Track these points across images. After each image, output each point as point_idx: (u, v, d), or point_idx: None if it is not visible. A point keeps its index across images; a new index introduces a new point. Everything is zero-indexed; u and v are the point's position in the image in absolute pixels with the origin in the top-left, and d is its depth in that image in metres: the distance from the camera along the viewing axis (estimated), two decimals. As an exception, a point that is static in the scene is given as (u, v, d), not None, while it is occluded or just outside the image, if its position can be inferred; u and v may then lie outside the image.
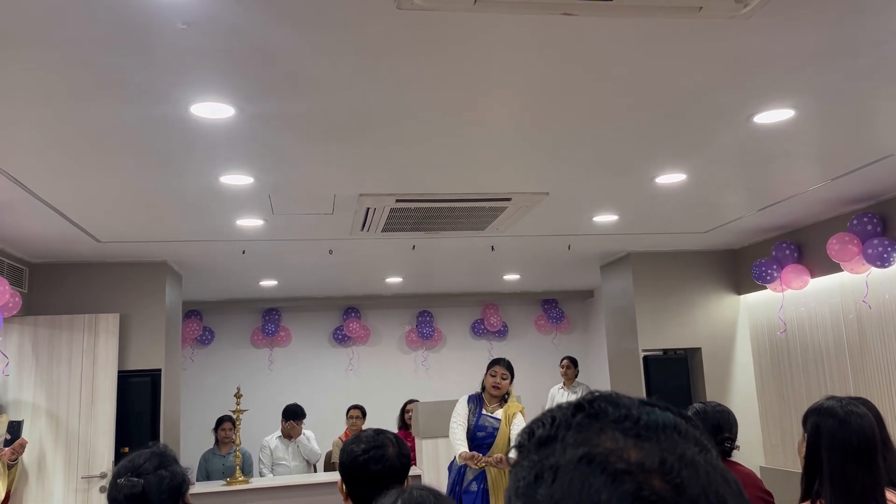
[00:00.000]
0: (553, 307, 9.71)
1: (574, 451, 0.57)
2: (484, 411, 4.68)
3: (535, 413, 0.70)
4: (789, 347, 5.90)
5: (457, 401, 4.79)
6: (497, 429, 4.63)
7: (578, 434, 0.59)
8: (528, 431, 0.63)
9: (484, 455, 4.46)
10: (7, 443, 4.75)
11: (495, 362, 4.77)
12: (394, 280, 7.91)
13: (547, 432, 0.61)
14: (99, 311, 5.67)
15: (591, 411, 0.61)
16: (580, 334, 9.87)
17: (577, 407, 0.62)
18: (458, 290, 9.04)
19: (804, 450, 2.19)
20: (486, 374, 4.74)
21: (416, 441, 5.98)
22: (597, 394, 0.63)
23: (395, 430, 4.57)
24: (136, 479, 1.89)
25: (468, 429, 4.59)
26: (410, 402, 6.84)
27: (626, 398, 0.62)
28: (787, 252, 5.61)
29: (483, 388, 4.76)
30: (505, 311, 9.63)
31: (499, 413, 4.66)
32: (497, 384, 4.66)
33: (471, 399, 4.70)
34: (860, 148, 3.79)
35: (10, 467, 4.85)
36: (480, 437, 4.60)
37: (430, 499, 1.58)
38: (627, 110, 3.13)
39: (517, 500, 0.58)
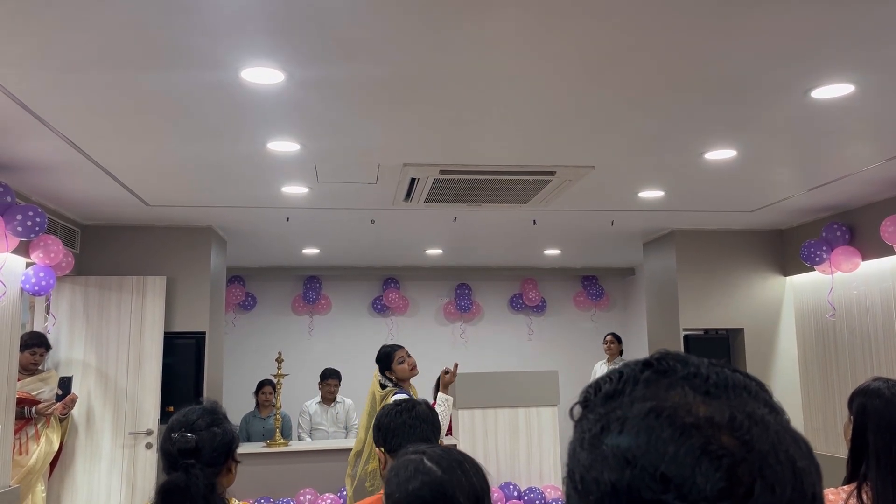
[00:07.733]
0: (593, 284, 9.64)
1: (642, 405, 0.57)
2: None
3: (576, 390, 0.70)
4: (836, 331, 5.78)
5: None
6: None
7: (647, 389, 0.59)
8: (595, 386, 0.63)
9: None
10: (59, 398, 4.92)
11: (398, 347, 4.37)
12: (434, 252, 7.93)
13: (614, 387, 0.61)
14: (146, 274, 5.81)
15: (659, 368, 0.61)
16: (619, 312, 9.79)
17: (645, 364, 0.62)
18: (497, 263, 9.02)
19: (850, 432, 2.16)
20: (393, 361, 4.32)
21: (454, 411, 6.03)
22: (664, 352, 0.63)
23: (432, 401, 4.57)
24: (189, 434, 1.95)
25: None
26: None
27: (695, 358, 0.62)
28: (838, 234, 5.47)
29: (393, 381, 4.31)
30: (544, 286, 9.59)
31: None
32: (414, 364, 4.34)
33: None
34: (921, 127, 3.67)
35: (61, 421, 5.03)
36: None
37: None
38: (680, 83, 3.06)
39: (582, 452, 0.58)
